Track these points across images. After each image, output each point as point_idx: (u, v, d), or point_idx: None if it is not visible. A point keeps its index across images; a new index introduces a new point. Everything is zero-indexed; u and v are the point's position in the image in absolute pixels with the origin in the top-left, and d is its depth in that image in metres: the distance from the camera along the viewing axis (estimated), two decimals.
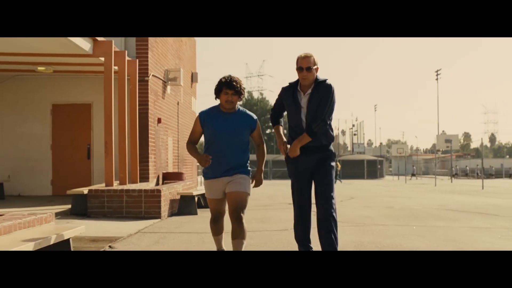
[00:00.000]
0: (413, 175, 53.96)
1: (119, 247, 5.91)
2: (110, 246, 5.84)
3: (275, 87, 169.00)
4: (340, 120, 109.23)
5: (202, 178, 4.96)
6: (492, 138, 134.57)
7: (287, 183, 5.71)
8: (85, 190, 8.82)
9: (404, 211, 11.00)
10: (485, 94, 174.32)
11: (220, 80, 4.61)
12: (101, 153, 11.89)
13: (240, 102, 4.67)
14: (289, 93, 4.81)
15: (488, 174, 57.08)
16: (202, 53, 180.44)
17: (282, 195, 17.07)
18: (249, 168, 4.71)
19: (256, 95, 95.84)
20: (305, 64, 4.65)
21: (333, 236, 4.54)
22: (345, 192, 19.96)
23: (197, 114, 4.73)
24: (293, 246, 5.13)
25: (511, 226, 8.33)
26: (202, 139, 4.84)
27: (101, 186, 9.38)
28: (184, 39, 16.61)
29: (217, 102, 4.73)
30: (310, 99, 4.68)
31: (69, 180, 11.85)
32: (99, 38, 9.33)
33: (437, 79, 67.32)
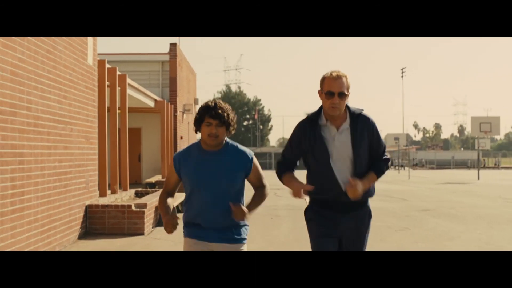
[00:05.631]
0: None
1: None
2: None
3: (253, 80, 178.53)
4: None
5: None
6: (461, 129, 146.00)
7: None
8: (153, 180, 17.48)
9: None
10: (456, 86, 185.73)
11: (201, 106, 3.40)
12: (147, 159, 20.62)
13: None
14: (311, 129, 3.53)
15: (442, 165, 66.76)
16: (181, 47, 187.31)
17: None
18: (246, 224, 3.50)
19: (234, 88, 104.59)
20: (337, 88, 3.41)
21: None
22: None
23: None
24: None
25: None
26: None
27: (159, 177, 18.04)
28: (191, 77, 25.25)
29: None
30: (354, 136, 3.50)
31: (128, 174, 20.47)
32: (157, 99, 17.91)
33: (402, 76, 76.75)
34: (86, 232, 9.15)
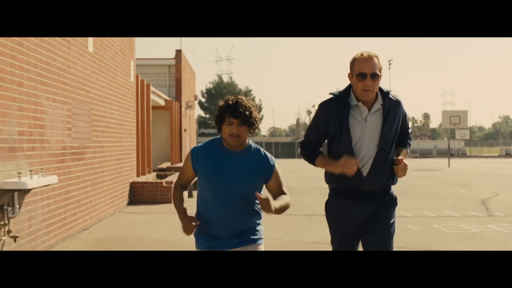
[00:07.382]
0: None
1: None
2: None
3: (244, 71, 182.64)
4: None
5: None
6: None
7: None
8: (164, 166, 21.30)
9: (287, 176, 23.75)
10: (444, 76, 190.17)
11: (222, 104, 3.27)
12: (156, 148, 24.44)
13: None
14: (339, 109, 3.43)
15: (425, 154, 70.88)
16: (174, 40, 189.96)
17: None
18: (261, 227, 3.41)
19: (225, 78, 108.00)
20: (369, 69, 3.33)
21: None
22: (284, 167, 32.60)
23: (190, 150, 3.43)
24: None
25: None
26: None
27: (168, 164, 21.86)
28: (191, 76, 29.03)
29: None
30: (386, 118, 3.43)
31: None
32: (167, 98, 21.69)
33: (389, 68, 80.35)
34: (131, 201, 12.99)
